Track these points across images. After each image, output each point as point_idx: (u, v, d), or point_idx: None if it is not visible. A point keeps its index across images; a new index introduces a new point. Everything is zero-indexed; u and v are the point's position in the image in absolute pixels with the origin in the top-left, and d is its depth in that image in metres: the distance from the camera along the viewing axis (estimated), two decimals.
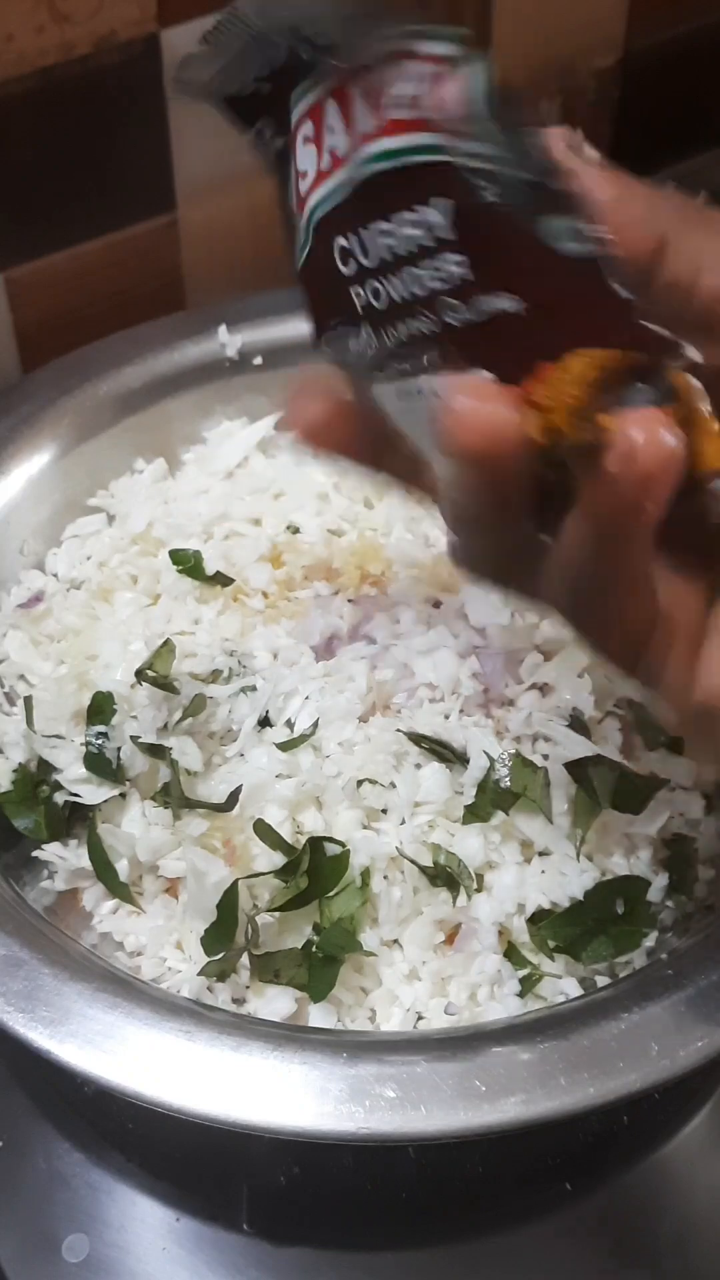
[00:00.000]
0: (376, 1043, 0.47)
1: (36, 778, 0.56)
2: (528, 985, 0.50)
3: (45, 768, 0.56)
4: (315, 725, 0.54)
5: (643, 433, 0.32)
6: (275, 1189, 0.51)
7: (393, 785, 0.53)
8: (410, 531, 0.63)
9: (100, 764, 0.54)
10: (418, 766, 0.54)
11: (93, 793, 0.54)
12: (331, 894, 0.50)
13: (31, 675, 0.60)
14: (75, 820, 0.56)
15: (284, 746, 0.54)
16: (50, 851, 0.55)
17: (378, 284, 0.36)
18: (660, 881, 0.52)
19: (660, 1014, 0.45)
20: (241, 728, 0.55)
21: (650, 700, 0.53)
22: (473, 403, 0.33)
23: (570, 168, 0.33)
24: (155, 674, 0.55)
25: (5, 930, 0.48)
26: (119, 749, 0.54)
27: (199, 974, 0.51)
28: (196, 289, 0.79)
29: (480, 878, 0.52)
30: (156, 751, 0.54)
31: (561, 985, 0.51)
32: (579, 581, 0.36)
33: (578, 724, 0.54)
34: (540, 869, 0.52)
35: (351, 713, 0.54)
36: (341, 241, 0.36)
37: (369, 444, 0.42)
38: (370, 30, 0.34)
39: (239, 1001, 0.51)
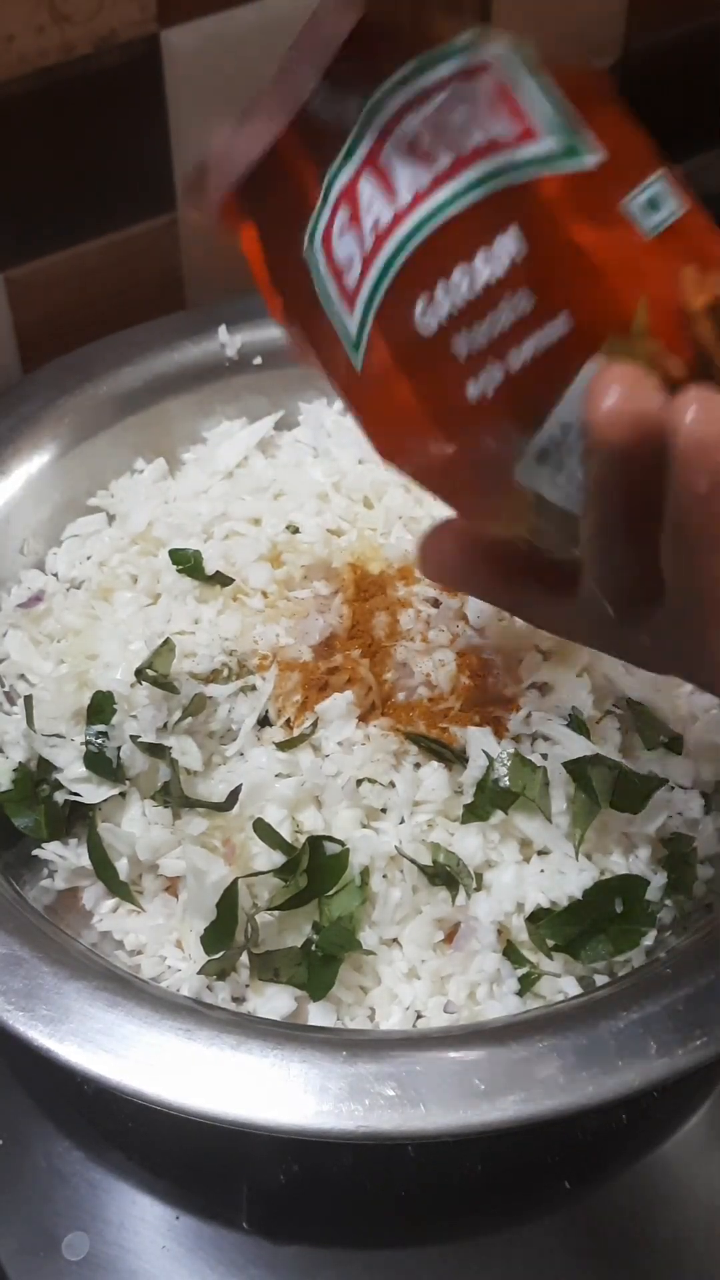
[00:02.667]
0: (376, 1041, 0.47)
1: (37, 777, 0.56)
2: (527, 984, 0.51)
3: (45, 767, 0.56)
4: (315, 725, 0.54)
5: None
6: (275, 1187, 0.51)
7: (392, 784, 0.53)
8: (409, 531, 0.63)
9: (100, 763, 0.54)
10: (417, 766, 0.54)
11: (93, 792, 0.55)
12: (331, 893, 0.50)
13: (31, 675, 0.60)
14: (75, 819, 0.56)
15: (283, 746, 0.54)
16: (50, 850, 0.55)
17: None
18: (659, 880, 0.52)
19: (659, 1013, 0.45)
20: (241, 727, 0.55)
21: None
22: (621, 388, 0.33)
23: None
24: (155, 673, 0.55)
25: (5, 929, 0.48)
26: (119, 748, 0.55)
27: (199, 973, 0.51)
28: (196, 289, 0.79)
29: (479, 877, 0.52)
30: (156, 751, 0.54)
31: (560, 984, 0.51)
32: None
33: (577, 723, 0.54)
34: (539, 868, 0.52)
35: (351, 713, 0.54)
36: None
37: (501, 584, 0.43)
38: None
39: (239, 1000, 0.51)
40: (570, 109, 0.34)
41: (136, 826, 0.54)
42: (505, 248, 0.34)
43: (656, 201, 0.34)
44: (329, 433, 0.69)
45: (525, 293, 0.34)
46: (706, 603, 0.35)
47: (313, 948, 0.50)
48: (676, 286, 0.34)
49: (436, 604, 0.58)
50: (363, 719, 0.55)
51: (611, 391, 0.33)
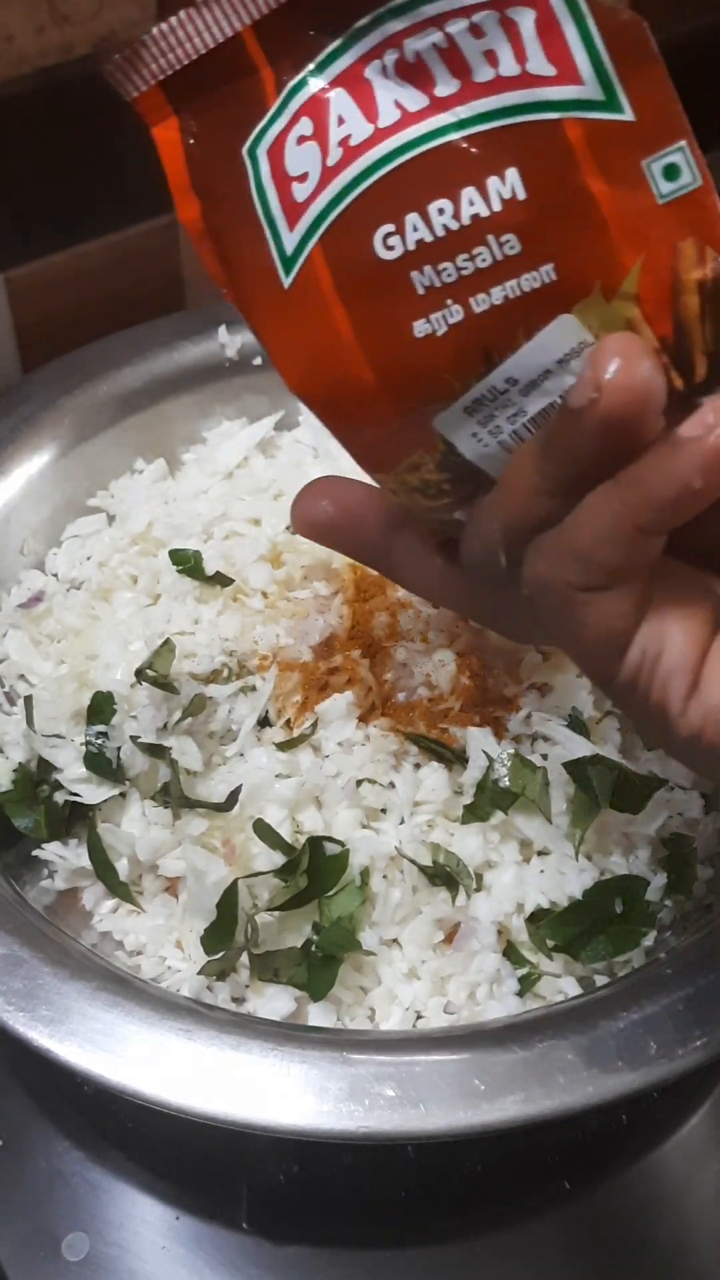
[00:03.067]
0: (376, 1041, 0.47)
1: (37, 777, 0.56)
2: (527, 984, 0.51)
3: (45, 767, 0.56)
4: (314, 725, 0.54)
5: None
6: (275, 1187, 0.51)
7: (392, 785, 0.53)
8: None
9: (100, 763, 0.54)
10: (417, 766, 0.54)
11: (93, 792, 0.55)
12: (331, 893, 0.50)
13: (32, 675, 0.60)
14: (75, 820, 0.56)
15: (283, 746, 0.54)
16: (50, 851, 0.55)
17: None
18: (659, 881, 0.52)
19: (659, 1013, 0.45)
20: (241, 728, 0.55)
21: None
22: (626, 359, 0.33)
23: None
24: (155, 674, 0.55)
25: (6, 929, 0.48)
26: (119, 749, 0.55)
27: (199, 973, 0.51)
28: (196, 289, 0.79)
29: (479, 877, 0.52)
30: (156, 751, 0.54)
31: (560, 984, 0.51)
32: (583, 559, 0.35)
33: (577, 724, 0.54)
34: (539, 868, 0.52)
35: (351, 713, 0.54)
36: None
37: (373, 543, 0.42)
38: None
39: (239, 1000, 0.51)
40: (613, 58, 0.33)
41: (136, 827, 0.54)
42: (501, 186, 0.33)
43: (675, 169, 0.34)
44: (329, 433, 0.69)
45: (512, 236, 0.33)
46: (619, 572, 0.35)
47: (313, 948, 0.50)
48: (674, 256, 0.33)
49: (437, 605, 0.58)
50: (363, 719, 0.55)
51: (628, 363, 0.32)
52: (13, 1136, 0.54)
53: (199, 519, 0.64)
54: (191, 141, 0.37)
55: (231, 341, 0.69)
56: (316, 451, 0.69)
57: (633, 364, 0.32)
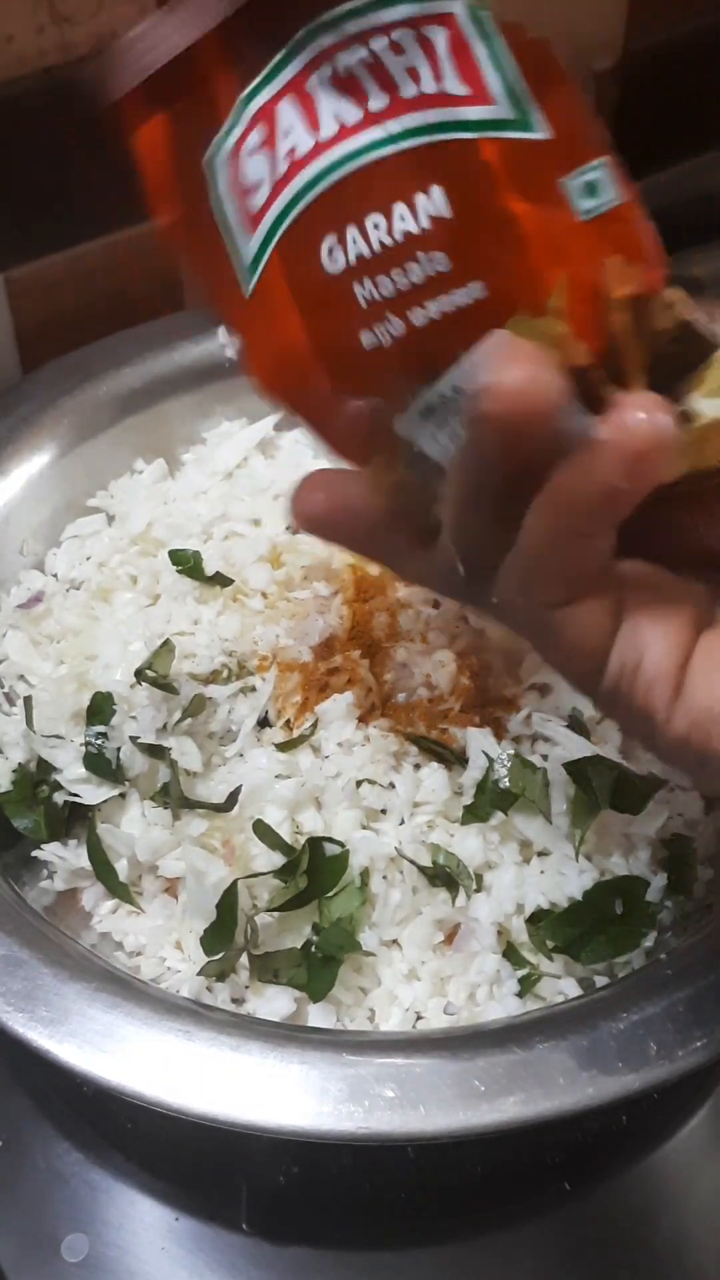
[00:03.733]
0: (376, 1042, 0.47)
1: (36, 778, 0.56)
2: (527, 985, 0.51)
3: (45, 768, 0.56)
4: (314, 726, 0.54)
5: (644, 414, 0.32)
6: (274, 1188, 0.51)
7: (392, 786, 0.53)
8: None
9: (100, 764, 0.54)
10: (417, 767, 0.54)
11: (92, 793, 0.55)
12: (331, 894, 0.50)
13: (31, 675, 0.60)
14: (75, 820, 0.56)
15: (283, 747, 0.54)
16: (50, 851, 0.55)
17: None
18: (659, 881, 0.52)
19: (659, 1014, 0.45)
20: (241, 728, 0.55)
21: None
22: (516, 363, 0.32)
23: None
24: (155, 674, 0.55)
25: (5, 930, 0.48)
26: (119, 749, 0.55)
27: (198, 974, 0.51)
28: (196, 289, 0.78)
29: (479, 878, 0.52)
30: (156, 751, 0.54)
31: (560, 985, 0.51)
32: (537, 571, 0.36)
33: (577, 724, 0.54)
34: (539, 869, 0.52)
35: (351, 714, 0.54)
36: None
37: (369, 535, 0.42)
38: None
39: (238, 1001, 0.51)
40: (525, 79, 0.33)
41: (136, 827, 0.54)
42: (428, 203, 0.33)
43: (595, 186, 0.34)
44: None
45: (441, 253, 0.34)
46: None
47: (312, 949, 0.50)
48: (599, 273, 0.33)
49: (436, 605, 0.58)
50: (362, 720, 0.55)
51: (511, 367, 0.32)
52: (13, 1136, 0.54)
53: (199, 519, 0.64)
54: (169, 146, 0.38)
55: (231, 341, 0.69)
56: (316, 451, 0.68)
57: (507, 367, 0.32)
